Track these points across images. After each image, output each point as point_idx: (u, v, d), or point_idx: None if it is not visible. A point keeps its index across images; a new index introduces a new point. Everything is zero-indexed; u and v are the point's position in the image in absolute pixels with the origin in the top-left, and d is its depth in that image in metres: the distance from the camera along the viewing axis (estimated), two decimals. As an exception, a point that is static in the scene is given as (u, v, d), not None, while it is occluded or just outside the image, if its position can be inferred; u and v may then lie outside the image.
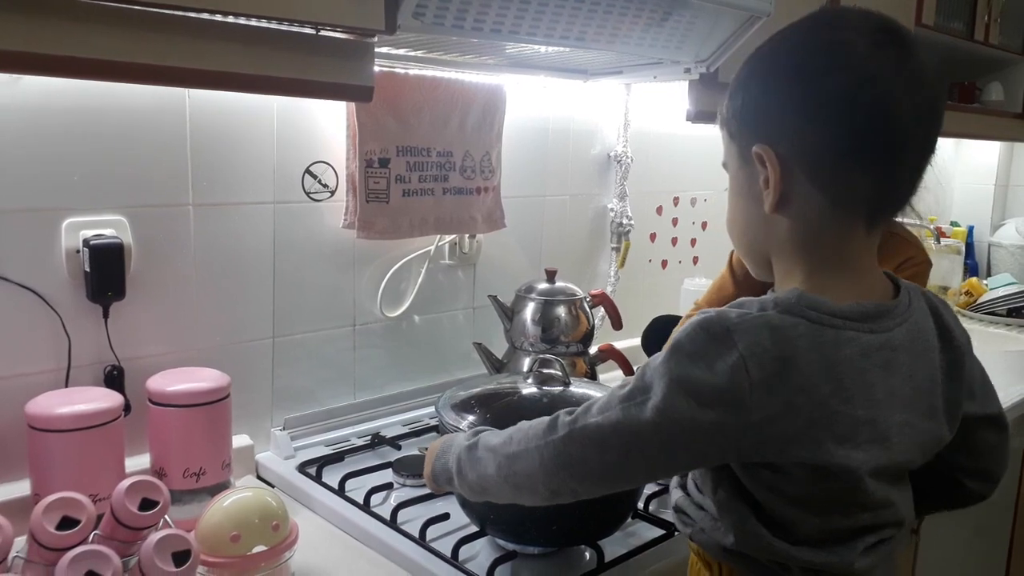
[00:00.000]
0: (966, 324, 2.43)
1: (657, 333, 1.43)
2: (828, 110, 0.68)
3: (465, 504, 0.99)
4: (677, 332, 0.71)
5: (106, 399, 0.98)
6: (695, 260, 1.94)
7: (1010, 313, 2.43)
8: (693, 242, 1.93)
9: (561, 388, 1.03)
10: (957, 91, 2.30)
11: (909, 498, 0.79)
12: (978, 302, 2.49)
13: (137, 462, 1.06)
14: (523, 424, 0.79)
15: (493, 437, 0.81)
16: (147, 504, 0.79)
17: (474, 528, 1.00)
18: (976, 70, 2.29)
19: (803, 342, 0.68)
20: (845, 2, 1.56)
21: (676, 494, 0.83)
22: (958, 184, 2.88)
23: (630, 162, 1.71)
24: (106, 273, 1.04)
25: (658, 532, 1.04)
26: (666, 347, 0.70)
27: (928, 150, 0.71)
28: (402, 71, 1.29)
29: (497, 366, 1.41)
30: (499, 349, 1.43)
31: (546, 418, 0.76)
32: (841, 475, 0.69)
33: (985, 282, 2.59)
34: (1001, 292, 2.47)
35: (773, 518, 0.72)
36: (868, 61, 0.68)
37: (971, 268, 2.77)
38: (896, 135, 0.69)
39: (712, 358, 0.67)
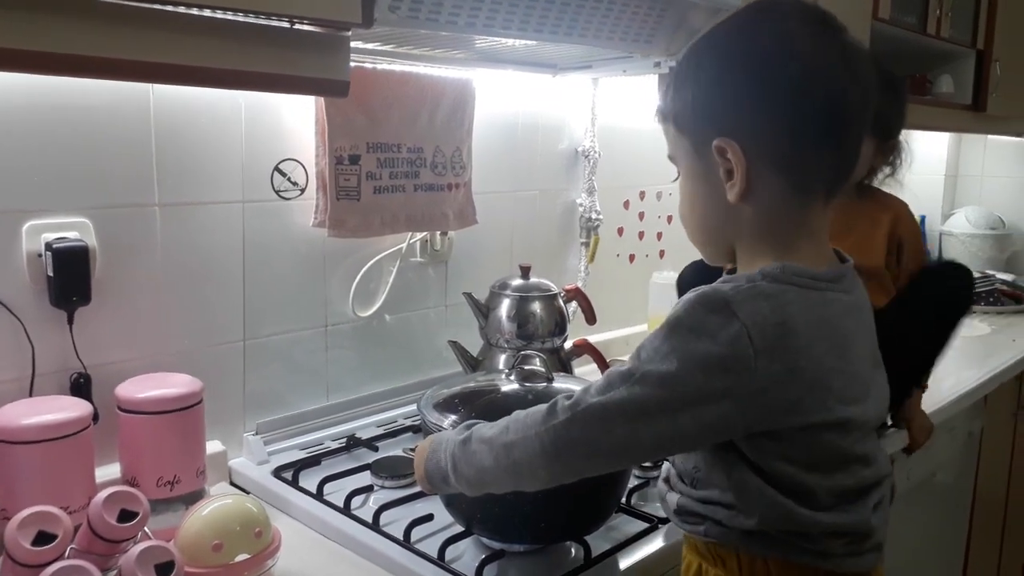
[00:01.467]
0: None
1: (697, 274, 1.43)
2: (784, 99, 0.72)
3: (450, 504, 0.98)
4: (673, 309, 0.72)
5: (74, 408, 0.94)
6: (662, 254, 1.95)
7: (963, 300, 2.49)
8: (659, 235, 1.94)
9: (544, 384, 1.02)
10: (910, 83, 2.35)
11: (886, 452, 0.85)
12: (932, 290, 2.55)
13: (108, 471, 1.03)
14: (518, 413, 0.79)
15: (487, 429, 0.81)
16: (126, 515, 0.76)
17: (459, 528, 0.98)
18: (928, 63, 2.34)
19: (795, 308, 0.72)
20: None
21: (673, 497, 0.83)
22: (909, 175, 2.95)
23: (598, 157, 1.71)
24: (70, 277, 1.00)
25: (642, 526, 1.05)
26: (662, 325, 0.72)
27: (866, 124, 0.76)
28: (371, 66, 1.26)
29: (472, 364, 1.39)
30: (473, 346, 1.42)
31: (543, 405, 0.76)
32: (843, 431, 0.73)
33: (938, 270, 2.66)
34: (954, 280, 2.54)
35: (793, 488, 0.74)
36: (815, 49, 0.72)
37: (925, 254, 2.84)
38: (844, 117, 0.73)
39: (714, 330, 0.69)
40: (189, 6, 0.78)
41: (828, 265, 0.78)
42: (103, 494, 0.76)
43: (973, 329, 2.32)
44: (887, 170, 1.49)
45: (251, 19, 0.83)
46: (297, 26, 0.86)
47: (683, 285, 1.42)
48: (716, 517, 0.77)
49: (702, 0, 1.18)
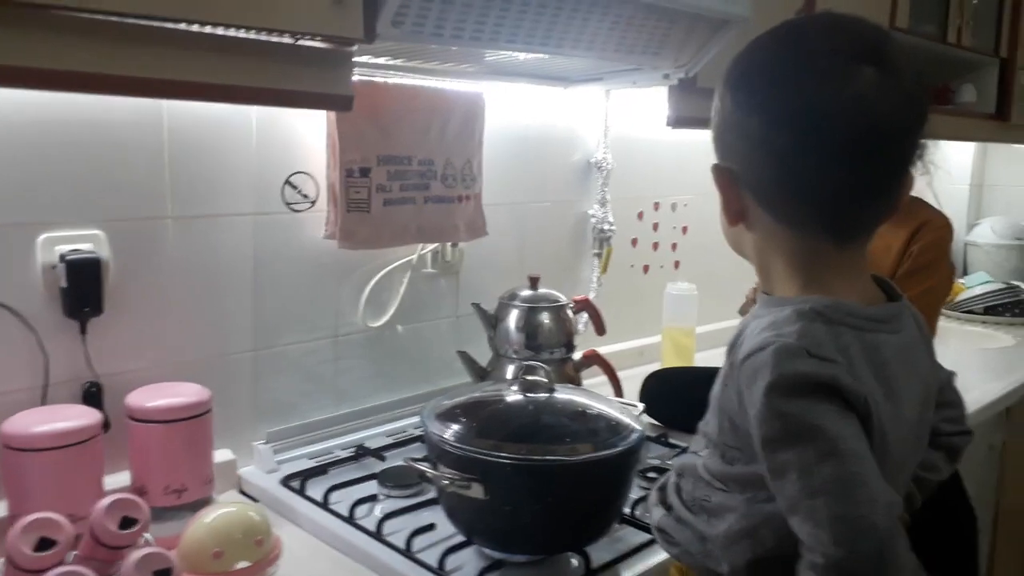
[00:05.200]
0: (944, 322, 2.47)
1: (661, 387, 1.46)
2: (770, 142, 0.70)
3: (451, 514, 0.99)
4: (755, 387, 0.68)
5: (84, 416, 0.96)
6: (676, 264, 1.94)
7: (987, 311, 2.46)
8: (674, 246, 1.94)
9: (547, 395, 1.03)
10: (932, 93, 2.32)
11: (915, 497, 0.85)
12: (955, 300, 2.51)
13: (117, 479, 1.04)
14: None
15: None
16: (127, 522, 0.78)
17: (461, 538, 0.99)
18: (949, 72, 2.32)
19: (854, 350, 0.69)
20: (821, 6, 1.58)
21: (657, 512, 0.83)
22: (934, 184, 2.91)
23: (610, 168, 1.71)
24: (83, 288, 1.02)
25: (644, 537, 1.04)
26: (762, 407, 0.67)
27: (886, 173, 0.71)
28: (381, 80, 1.28)
29: (481, 374, 1.40)
30: (483, 357, 1.42)
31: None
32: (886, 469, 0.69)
33: (962, 281, 2.62)
34: (978, 291, 2.50)
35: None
36: (827, 90, 0.68)
37: (951, 268, 2.80)
38: (834, 167, 0.69)
39: (810, 374, 0.66)
40: (191, 23, 0.80)
41: (874, 302, 0.76)
42: (105, 501, 0.78)
43: (997, 341, 2.29)
44: (920, 165, 1.47)
45: (255, 36, 0.85)
46: (301, 42, 0.88)
47: (648, 394, 1.44)
48: (688, 547, 0.77)
49: (708, 12, 1.18)
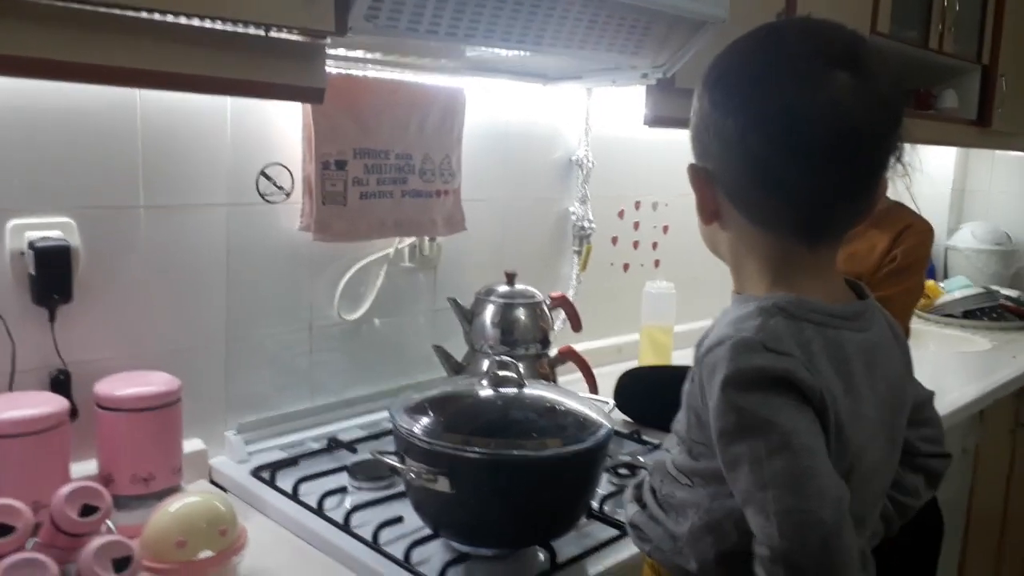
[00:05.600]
0: (923, 326, 2.49)
1: (635, 386, 1.46)
2: (745, 143, 0.70)
3: (419, 507, 0.99)
4: (713, 382, 0.69)
5: (51, 403, 0.96)
6: (656, 263, 1.95)
7: (965, 315, 2.48)
8: (655, 245, 1.95)
9: (517, 391, 1.03)
10: (914, 98, 2.34)
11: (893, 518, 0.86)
12: (935, 304, 2.53)
13: (85, 467, 1.04)
14: None
15: None
16: (88, 510, 0.78)
17: (428, 531, 0.99)
18: (931, 77, 2.33)
19: (815, 345, 0.70)
20: (802, 9, 1.59)
21: (631, 508, 0.83)
22: (915, 189, 2.93)
23: (591, 166, 1.72)
24: (52, 276, 1.02)
25: (612, 532, 1.05)
26: (718, 400, 0.68)
27: (859, 177, 0.72)
28: (360, 73, 1.28)
29: (457, 369, 1.40)
30: (459, 352, 1.43)
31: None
32: (852, 475, 0.70)
33: (942, 285, 2.64)
34: (957, 295, 2.53)
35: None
36: (803, 94, 0.68)
37: (928, 271, 2.82)
38: (810, 170, 0.69)
39: (765, 367, 0.67)
40: (164, 13, 0.80)
41: (842, 301, 0.76)
42: (65, 489, 0.77)
43: (974, 344, 2.31)
44: (899, 168, 1.48)
45: (227, 27, 0.85)
46: (272, 34, 0.88)
47: (622, 392, 1.44)
48: (660, 544, 0.78)
49: (687, 13, 1.19)
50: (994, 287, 2.62)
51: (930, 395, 0.91)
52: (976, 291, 2.52)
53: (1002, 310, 2.50)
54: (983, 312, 2.46)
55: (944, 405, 1.67)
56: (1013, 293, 2.65)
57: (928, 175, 2.86)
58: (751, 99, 0.71)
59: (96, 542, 0.74)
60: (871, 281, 1.57)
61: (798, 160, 0.69)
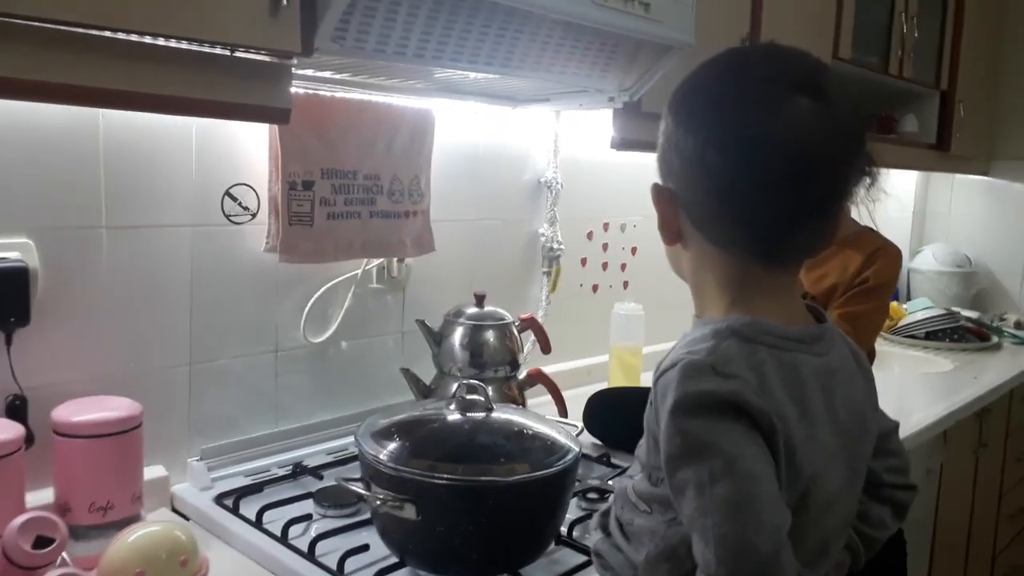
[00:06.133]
0: (887, 347, 2.52)
1: (605, 407, 1.46)
2: (705, 163, 0.71)
3: (385, 535, 0.97)
4: (663, 406, 0.68)
5: (5, 430, 0.93)
6: (625, 284, 1.96)
7: (928, 336, 2.52)
8: (623, 267, 1.96)
9: (484, 415, 1.02)
10: (876, 122, 2.39)
11: (857, 548, 0.85)
12: (898, 325, 2.57)
13: (41, 496, 1.01)
14: None
15: None
16: (42, 542, 0.75)
17: (394, 559, 0.98)
18: (893, 102, 2.39)
19: (768, 367, 0.70)
20: (766, 34, 1.61)
21: (595, 536, 0.83)
22: (878, 212, 2.99)
23: (560, 188, 1.72)
24: (8, 298, 0.99)
25: (581, 559, 1.03)
26: (667, 424, 0.68)
27: (816, 202, 0.72)
28: (328, 94, 1.27)
29: (425, 392, 1.39)
30: (428, 374, 1.41)
31: None
32: (802, 509, 0.70)
33: (904, 306, 2.69)
34: (920, 316, 2.56)
35: None
36: (757, 118, 0.69)
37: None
38: (767, 191, 0.70)
39: (713, 391, 0.67)
40: (128, 32, 0.78)
41: (801, 323, 0.76)
42: (19, 519, 0.75)
43: (936, 365, 2.35)
44: (866, 180, 1.50)
45: (192, 47, 0.84)
46: (238, 54, 0.87)
47: (591, 414, 1.44)
48: (621, 572, 0.77)
49: (652, 38, 1.20)
50: (955, 308, 2.66)
51: (895, 425, 0.91)
52: (938, 312, 2.56)
53: (963, 331, 2.54)
54: (945, 333, 2.50)
55: (909, 425, 1.71)
56: (974, 314, 2.71)
57: (891, 198, 2.93)
58: (712, 120, 0.71)
59: (51, 575, 0.72)
60: (842, 297, 1.61)
61: (756, 182, 0.69)
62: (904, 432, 1.65)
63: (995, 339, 2.57)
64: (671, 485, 0.68)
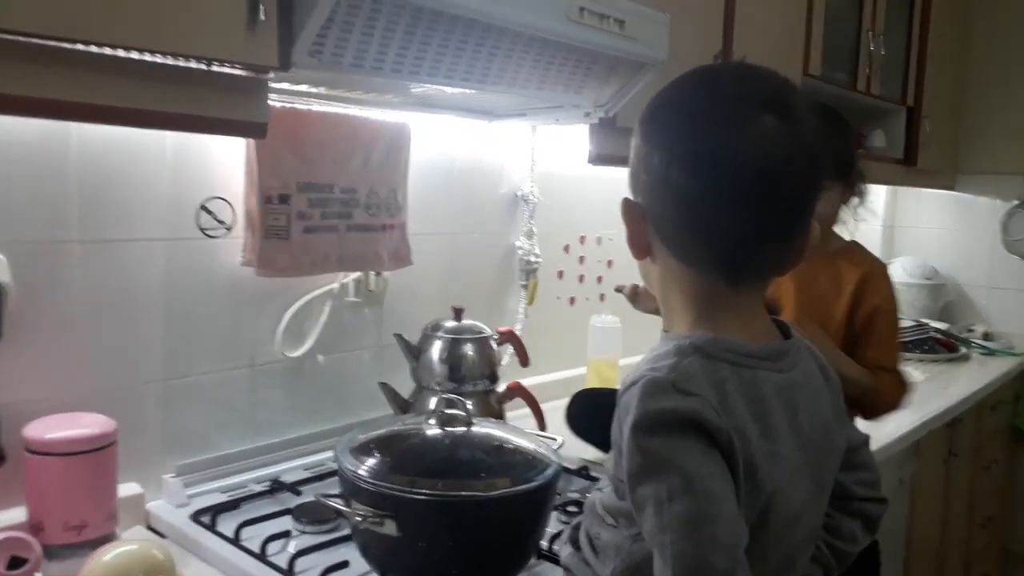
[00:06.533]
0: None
1: (589, 408, 1.45)
2: (671, 178, 0.72)
3: (365, 551, 0.97)
4: (625, 423, 0.69)
5: (-24, 449, 0.92)
6: (602, 297, 1.97)
7: (898, 347, 2.55)
8: (600, 279, 1.97)
9: (464, 429, 1.02)
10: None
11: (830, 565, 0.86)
12: (869, 337, 2.60)
13: (13, 515, 0.99)
14: None
15: None
16: (15, 562, 0.74)
17: (374, 575, 0.97)
18: (863, 118, 2.43)
19: (730, 385, 0.70)
20: (737, 52, 1.64)
21: (565, 550, 0.83)
22: (848, 226, 3.04)
23: (537, 201, 1.73)
24: (-21, 314, 0.98)
25: (562, 573, 1.03)
26: (628, 441, 0.68)
27: (779, 220, 0.72)
28: (304, 107, 1.27)
29: (403, 406, 1.39)
30: (406, 389, 1.41)
31: None
32: (762, 525, 0.70)
33: (875, 318, 2.72)
34: (890, 327, 2.59)
35: None
36: (722, 134, 0.70)
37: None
38: (730, 207, 0.71)
39: (672, 409, 0.67)
40: (102, 45, 0.78)
41: (766, 340, 0.76)
42: (-9, 540, 0.74)
43: (908, 376, 2.37)
44: (855, 200, 1.48)
45: (168, 60, 0.84)
46: (215, 68, 0.87)
47: (573, 418, 1.43)
48: None
49: (627, 54, 1.22)
50: (924, 320, 2.71)
51: (865, 439, 0.92)
52: (908, 324, 2.60)
53: (933, 342, 2.58)
54: (915, 345, 2.54)
55: (882, 436, 1.73)
56: (943, 326, 2.75)
57: (873, 212, 2.97)
58: (678, 135, 0.72)
59: (22, 596, 0.71)
60: (873, 337, 1.43)
61: (723, 198, 0.70)
62: (877, 443, 1.67)
63: (964, 350, 2.62)
64: (632, 501, 0.68)
